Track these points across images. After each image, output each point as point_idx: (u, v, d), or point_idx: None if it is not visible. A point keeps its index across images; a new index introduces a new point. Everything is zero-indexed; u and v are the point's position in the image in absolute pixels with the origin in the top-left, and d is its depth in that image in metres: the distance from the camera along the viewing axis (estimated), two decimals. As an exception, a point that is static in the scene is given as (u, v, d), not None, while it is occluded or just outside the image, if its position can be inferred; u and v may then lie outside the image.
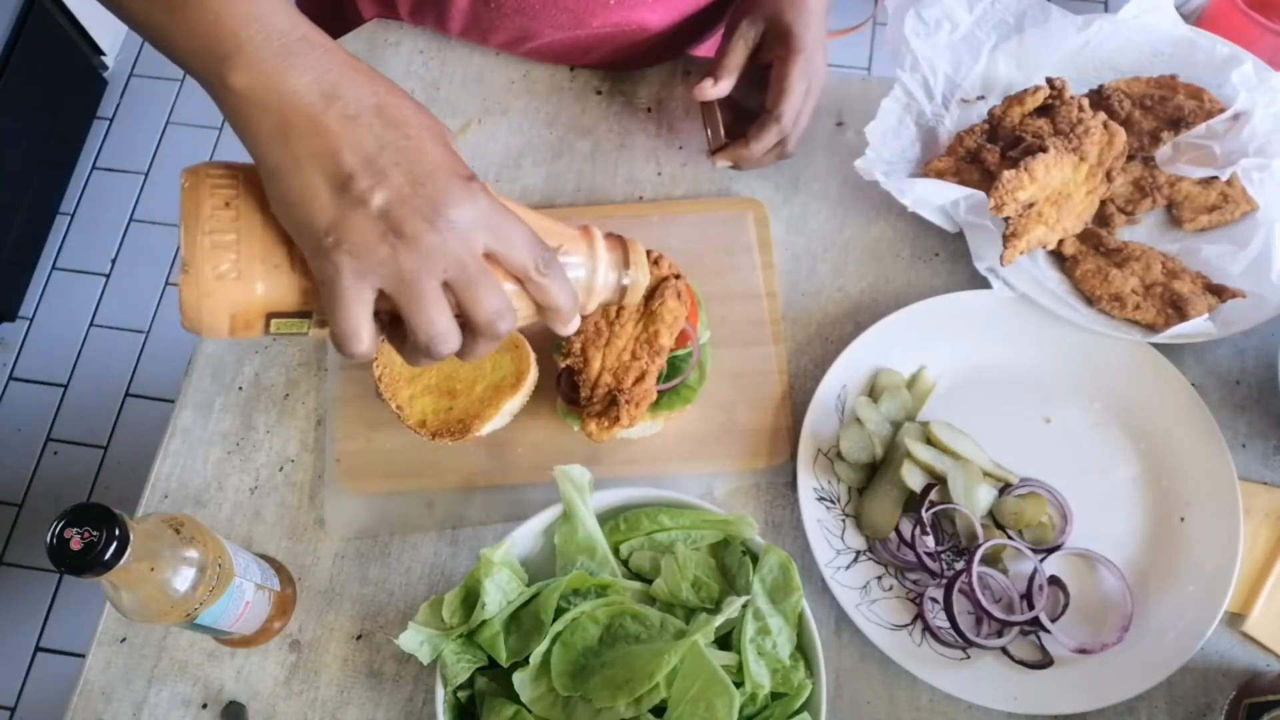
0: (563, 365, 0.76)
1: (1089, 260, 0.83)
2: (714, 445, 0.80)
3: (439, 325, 0.50)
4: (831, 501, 0.77)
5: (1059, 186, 0.82)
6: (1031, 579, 0.73)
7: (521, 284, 0.53)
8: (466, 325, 0.52)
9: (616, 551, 0.71)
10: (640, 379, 0.74)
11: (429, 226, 0.47)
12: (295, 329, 0.53)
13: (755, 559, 0.69)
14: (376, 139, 0.48)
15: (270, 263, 0.50)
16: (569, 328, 0.57)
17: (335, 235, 0.47)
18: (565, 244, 0.58)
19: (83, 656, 0.75)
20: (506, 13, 0.89)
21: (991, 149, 0.86)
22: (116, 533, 0.55)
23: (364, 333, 0.49)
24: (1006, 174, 0.79)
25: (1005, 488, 0.77)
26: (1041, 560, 0.74)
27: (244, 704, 0.73)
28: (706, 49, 1.03)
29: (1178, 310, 0.80)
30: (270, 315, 0.52)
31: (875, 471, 0.78)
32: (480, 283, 0.50)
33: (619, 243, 0.61)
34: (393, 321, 0.52)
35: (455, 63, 0.97)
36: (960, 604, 0.73)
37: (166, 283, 2.07)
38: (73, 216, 2.13)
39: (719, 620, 0.64)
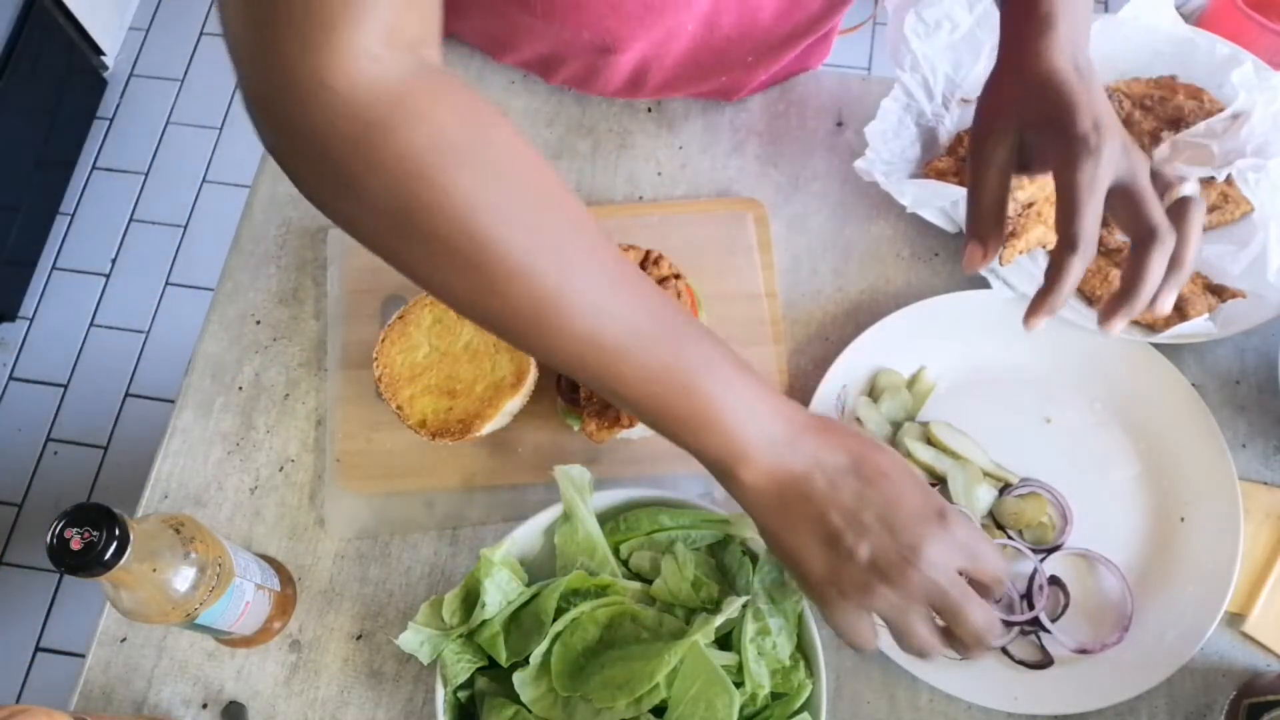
0: (563, 365, 0.76)
1: (1089, 260, 0.83)
2: (714, 445, 0.80)
3: (928, 642, 0.57)
4: (831, 501, 0.77)
5: (1059, 186, 0.82)
6: (1031, 579, 0.73)
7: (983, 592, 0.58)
8: (953, 636, 0.58)
9: (616, 551, 0.70)
10: (640, 379, 0.74)
11: (910, 567, 0.55)
12: None
13: (755, 559, 0.69)
14: (855, 496, 0.56)
15: None
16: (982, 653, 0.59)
17: (833, 583, 0.56)
18: None
19: (83, 656, 0.75)
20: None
21: (991, 149, 0.85)
22: (116, 533, 0.55)
23: (867, 634, 0.58)
24: (1006, 174, 0.79)
25: (1005, 488, 0.77)
26: (1041, 560, 0.74)
27: (244, 704, 0.73)
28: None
29: (1178, 310, 0.80)
30: None
31: (875, 471, 0.77)
32: (961, 607, 0.56)
33: None
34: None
35: (455, 63, 0.97)
36: (960, 604, 0.73)
37: (166, 283, 2.07)
38: (73, 216, 2.13)
39: (719, 620, 0.63)
